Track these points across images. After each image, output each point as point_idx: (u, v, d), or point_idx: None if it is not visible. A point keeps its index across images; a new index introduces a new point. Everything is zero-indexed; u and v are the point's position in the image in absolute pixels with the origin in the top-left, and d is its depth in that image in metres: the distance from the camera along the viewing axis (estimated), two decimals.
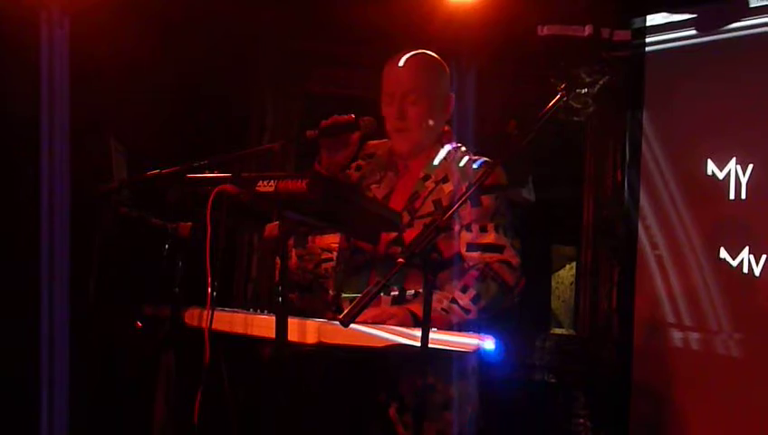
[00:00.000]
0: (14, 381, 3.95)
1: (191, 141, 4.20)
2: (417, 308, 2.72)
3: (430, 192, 2.93)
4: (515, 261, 2.86)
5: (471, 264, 2.86)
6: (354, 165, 3.12)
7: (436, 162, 2.99)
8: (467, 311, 2.77)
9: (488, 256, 2.85)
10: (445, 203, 2.89)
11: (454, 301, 2.76)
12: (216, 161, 2.69)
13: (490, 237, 2.87)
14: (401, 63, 3.00)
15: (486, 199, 2.88)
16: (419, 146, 3.00)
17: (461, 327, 2.74)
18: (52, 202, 4.05)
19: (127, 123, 4.07)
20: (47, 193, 4.05)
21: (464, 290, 2.79)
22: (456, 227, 2.89)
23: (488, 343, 2.49)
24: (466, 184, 2.89)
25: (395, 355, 2.43)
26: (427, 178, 2.97)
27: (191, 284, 2.56)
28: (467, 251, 2.88)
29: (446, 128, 3.07)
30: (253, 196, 2.42)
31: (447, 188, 2.93)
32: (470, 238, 2.88)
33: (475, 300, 2.78)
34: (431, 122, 2.98)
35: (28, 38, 4.08)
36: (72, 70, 4.12)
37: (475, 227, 2.88)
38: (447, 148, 3.02)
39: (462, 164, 2.96)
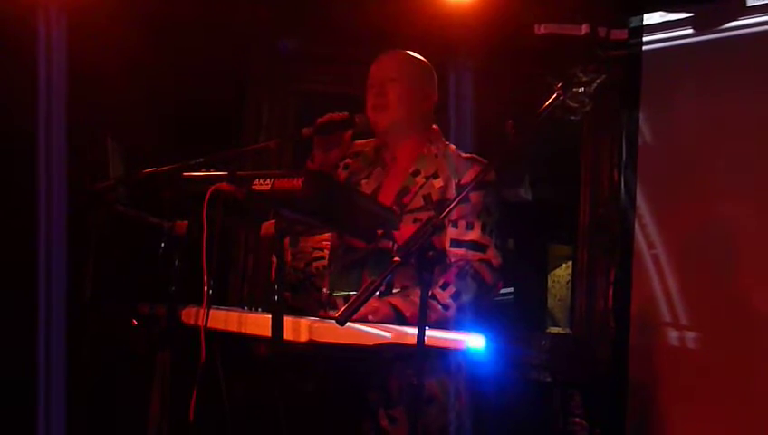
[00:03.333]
0: (10, 379, 3.95)
1: (187, 140, 4.19)
2: (398, 302, 2.75)
3: (420, 187, 2.95)
4: (497, 262, 2.88)
5: (453, 260, 2.87)
6: (342, 164, 3.14)
7: (426, 158, 3.00)
8: (446, 307, 2.78)
9: (471, 253, 2.87)
10: (435, 198, 2.92)
11: (433, 297, 2.77)
12: (213, 160, 2.70)
13: (475, 235, 2.89)
14: (384, 55, 3.09)
15: (475, 196, 2.89)
16: (398, 125, 3.02)
17: (445, 325, 2.74)
18: (49, 200, 4.05)
19: (123, 122, 4.07)
20: (44, 191, 4.05)
21: (444, 287, 2.80)
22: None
23: (477, 341, 2.49)
24: (457, 180, 2.91)
25: (386, 354, 2.43)
26: (416, 173, 2.99)
27: (187, 282, 2.56)
28: (451, 247, 2.89)
29: (435, 127, 3.08)
30: (248, 194, 2.42)
31: (437, 183, 2.95)
32: (455, 234, 2.90)
33: (454, 297, 2.79)
34: (410, 105, 3.00)
35: (25, 37, 4.08)
36: (70, 69, 4.12)
37: (461, 224, 2.90)
38: (437, 144, 3.04)
39: (452, 160, 2.98)
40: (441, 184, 2.94)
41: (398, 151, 3.05)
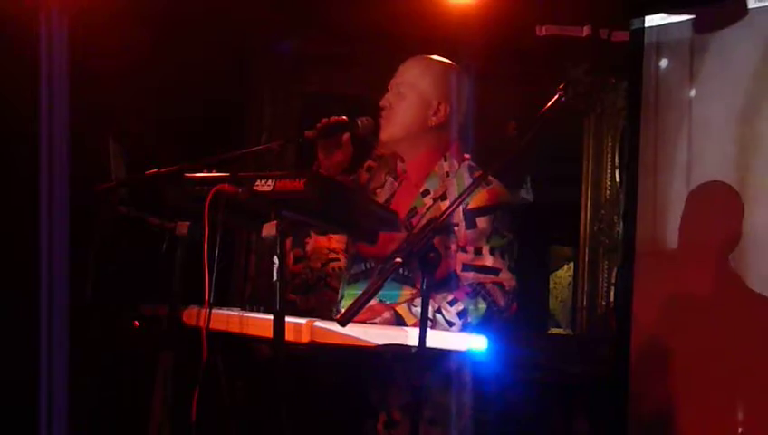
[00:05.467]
0: (12, 380, 3.95)
1: (189, 141, 4.20)
2: (403, 309, 2.76)
3: (428, 209, 2.92)
4: (510, 284, 2.85)
5: (465, 283, 2.84)
6: (366, 165, 3.13)
7: (437, 177, 2.97)
8: (451, 324, 2.76)
9: (482, 277, 2.83)
10: (441, 221, 2.87)
11: (439, 311, 2.76)
12: (215, 161, 2.70)
13: (486, 260, 2.85)
14: (407, 62, 3.04)
15: (482, 222, 2.86)
16: (397, 139, 2.98)
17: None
18: (51, 202, 4.05)
19: (125, 123, 4.07)
20: (46, 192, 4.05)
21: (452, 303, 2.78)
22: (453, 247, 2.87)
23: (479, 343, 2.49)
24: (464, 205, 2.84)
25: (387, 355, 2.44)
26: (426, 193, 2.96)
27: (189, 283, 2.56)
28: (462, 271, 2.86)
29: (455, 140, 3.03)
30: (250, 195, 2.42)
31: (444, 205, 2.89)
32: (466, 259, 2.86)
33: (461, 315, 2.77)
34: (410, 117, 2.96)
35: (27, 37, 4.08)
36: (71, 70, 4.12)
37: (470, 250, 2.86)
38: (451, 161, 2.99)
39: (461, 180, 2.94)
40: (447, 206, 2.88)
41: (408, 164, 3.01)
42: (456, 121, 3.03)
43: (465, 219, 2.83)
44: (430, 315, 2.68)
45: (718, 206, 4.19)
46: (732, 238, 4.08)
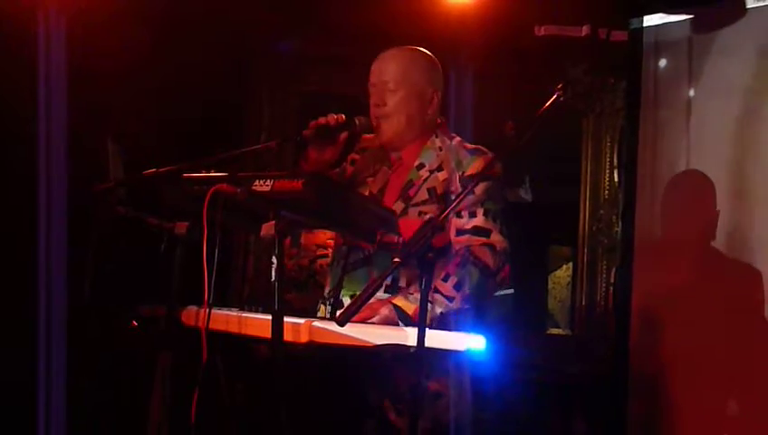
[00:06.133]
0: (10, 381, 3.95)
1: (188, 141, 4.20)
2: (401, 301, 2.77)
3: (425, 180, 2.97)
4: (501, 246, 2.89)
5: (457, 248, 2.88)
6: (349, 158, 3.16)
7: (430, 151, 3.01)
8: (451, 299, 2.79)
9: (474, 239, 2.88)
10: (439, 191, 2.94)
11: (436, 290, 2.78)
12: (213, 161, 2.70)
13: (477, 221, 2.90)
14: (386, 54, 3.06)
15: (478, 188, 2.89)
16: (400, 136, 3.02)
17: (448, 317, 2.77)
18: (49, 202, 4.05)
19: (123, 123, 4.07)
20: (44, 193, 4.05)
21: (445, 279, 2.81)
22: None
23: (478, 342, 2.49)
24: (460, 173, 2.93)
25: (386, 355, 2.44)
26: (421, 166, 3.00)
27: (188, 283, 2.56)
28: (456, 236, 2.91)
29: (440, 120, 3.09)
30: (249, 195, 2.42)
31: (442, 176, 2.96)
32: (459, 224, 2.91)
33: (457, 287, 2.80)
34: (411, 112, 3.00)
35: (25, 37, 4.08)
36: (70, 70, 4.12)
37: (465, 214, 2.91)
38: (442, 137, 3.04)
39: (456, 153, 2.99)
40: (445, 176, 2.96)
41: (403, 152, 3.06)
42: (442, 106, 3.10)
43: (463, 186, 2.89)
44: (428, 298, 2.72)
45: (692, 194, 4.20)
46: (710, 224, 4.09)
